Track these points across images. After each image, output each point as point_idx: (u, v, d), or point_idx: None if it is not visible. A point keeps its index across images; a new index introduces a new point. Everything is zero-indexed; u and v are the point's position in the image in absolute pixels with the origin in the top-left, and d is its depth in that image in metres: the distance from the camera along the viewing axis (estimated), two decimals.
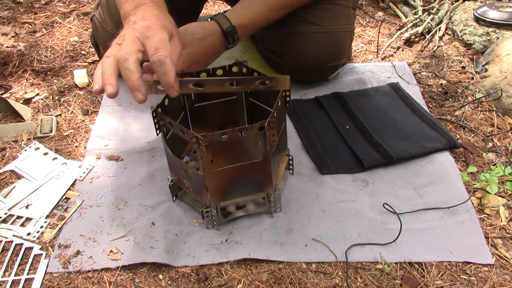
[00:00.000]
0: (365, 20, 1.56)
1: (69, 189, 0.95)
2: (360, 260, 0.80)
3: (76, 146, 1.07)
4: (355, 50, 1.39)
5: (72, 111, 1.17)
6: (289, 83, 0.73)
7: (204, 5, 1.45)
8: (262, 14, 0.96)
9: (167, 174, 0.91)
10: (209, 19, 0.95)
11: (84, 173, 0.98)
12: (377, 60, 1.35)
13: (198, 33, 0.91)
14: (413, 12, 1.57)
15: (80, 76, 1.26)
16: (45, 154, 1.03)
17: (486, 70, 1.24)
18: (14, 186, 0.96)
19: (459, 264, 0.79)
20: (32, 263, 0.81)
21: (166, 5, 0.85)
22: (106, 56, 0.69)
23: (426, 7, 1.59)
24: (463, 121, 1.10)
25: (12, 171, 1.00)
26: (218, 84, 0.72)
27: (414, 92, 1.19)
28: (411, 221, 0.86)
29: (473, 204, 0.89)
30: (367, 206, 0.89)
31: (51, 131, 1.09)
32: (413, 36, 1.45)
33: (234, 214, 0.87)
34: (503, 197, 0.91)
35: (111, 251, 0.82)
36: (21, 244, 0.84)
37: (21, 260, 0.82)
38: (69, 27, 1.52)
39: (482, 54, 1.33)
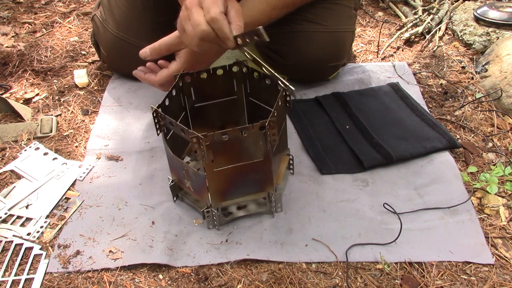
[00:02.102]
0: (365, 20, 1.56)
1: (69, 189, 0.95)
2: (360, 260, 0.80)
3: (76, 146, 1.07)
4: (355, 50, 1.39)
5: (72, 111, 1.17)
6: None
7: None
8: (264, 13, 0.96)
9: (167, 174, 0.91)
10: None
11: (84, 173, 0.98)
12: (377, 60, 1.35)
13: None
14: (413, 12, 1.57)
15: (80, 76, 1.26)
16: (45, 154, 1.03)
17: (486, 70, 1.24)
18: (14, 186, 0.96)
19: (459, 264, 0.79)
20: (32, 263, 0.81)
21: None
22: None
23: (426, 7, 1.59)
24: (463, 121, 1.10)
25: (12, 171, 1.00)
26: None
27: (414, 92, 1.19)
28: (411, 221, 0.86)
29: (473, 204, 0.89)
30: (367, 206, 0.89)
31: (51, 131, 1.09)
32: (413, 36, 1.45)
33: (235, 214, 0.87)
34: (503, 197, 0.91)
35: (110, 251, 0.82)
36: (21, 244, 0.84)
37: (21, 260, 0.82)
38: (69, 27, 1.52)
39: (482, 54, 1.33)
